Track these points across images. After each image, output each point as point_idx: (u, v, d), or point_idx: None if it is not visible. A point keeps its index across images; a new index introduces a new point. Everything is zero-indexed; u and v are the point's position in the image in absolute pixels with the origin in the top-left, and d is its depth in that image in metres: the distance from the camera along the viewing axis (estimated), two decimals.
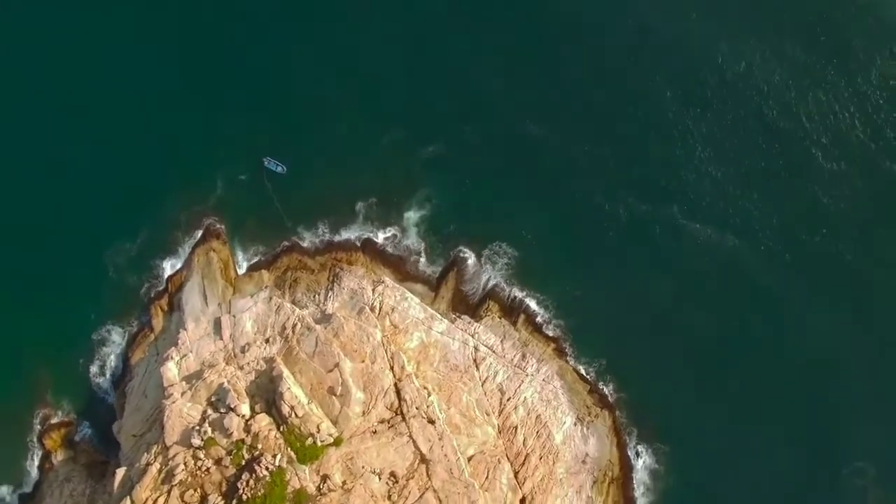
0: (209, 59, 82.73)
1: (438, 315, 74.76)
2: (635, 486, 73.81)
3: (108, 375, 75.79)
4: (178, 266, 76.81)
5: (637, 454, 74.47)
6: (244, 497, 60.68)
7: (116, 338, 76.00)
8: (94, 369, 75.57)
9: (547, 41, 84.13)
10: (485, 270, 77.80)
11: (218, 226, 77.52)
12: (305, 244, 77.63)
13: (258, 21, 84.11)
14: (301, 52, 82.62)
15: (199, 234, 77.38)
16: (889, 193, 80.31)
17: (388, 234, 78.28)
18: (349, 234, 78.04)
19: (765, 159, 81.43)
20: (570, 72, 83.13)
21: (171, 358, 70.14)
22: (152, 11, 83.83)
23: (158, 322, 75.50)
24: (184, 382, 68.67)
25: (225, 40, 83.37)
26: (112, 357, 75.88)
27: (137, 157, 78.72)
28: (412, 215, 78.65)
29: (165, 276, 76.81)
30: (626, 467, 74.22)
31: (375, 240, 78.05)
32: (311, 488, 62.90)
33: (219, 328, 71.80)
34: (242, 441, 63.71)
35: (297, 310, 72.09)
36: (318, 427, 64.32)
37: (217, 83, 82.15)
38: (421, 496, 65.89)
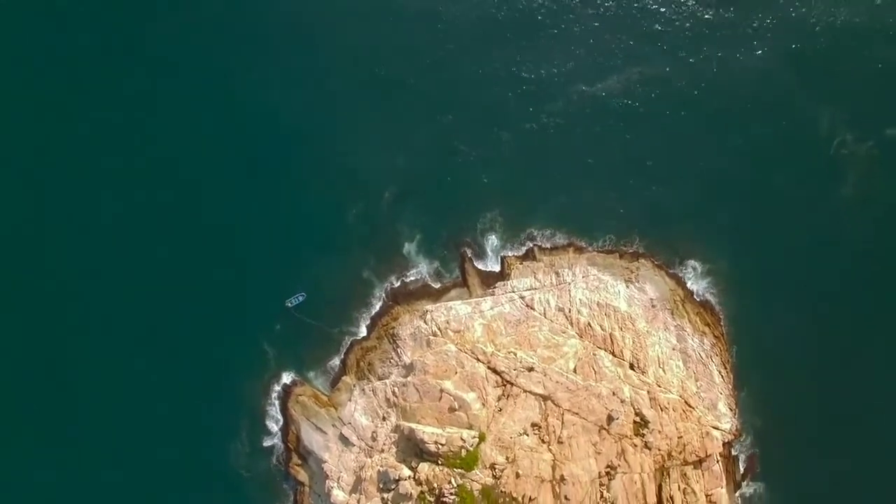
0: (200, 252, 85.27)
1: (480, 299, 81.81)
2: (702, 289, 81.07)
3: None
4: (283, 426, 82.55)
5: (690, 268, 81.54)
6: None
7: None
8: None
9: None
10: (488, 242, 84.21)
11: (289, 375, 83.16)
12: (357, 335, 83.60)
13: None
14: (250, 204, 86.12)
15: (280, 391, 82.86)
16: None
17: (403, 276, 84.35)
18: (376, 299, 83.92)
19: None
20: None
21: (332, 487, 77.57)
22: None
23: (303, 475, 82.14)
24: (353, 495, 75.89)
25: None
26: None
27: (190, 375, 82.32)
28: (410, 248, 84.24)
29: (280, 442, 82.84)
30: (685, 284, 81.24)
31: (397, 287, 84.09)
32: (489, 480, 70.73)
33: (346, 440, 79.17)
34: (422, 492, 71.18)
35: (386, 381, 79.50)
36: (461, 439, 71.54)
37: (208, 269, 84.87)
38: (563, 422, 73.16)
